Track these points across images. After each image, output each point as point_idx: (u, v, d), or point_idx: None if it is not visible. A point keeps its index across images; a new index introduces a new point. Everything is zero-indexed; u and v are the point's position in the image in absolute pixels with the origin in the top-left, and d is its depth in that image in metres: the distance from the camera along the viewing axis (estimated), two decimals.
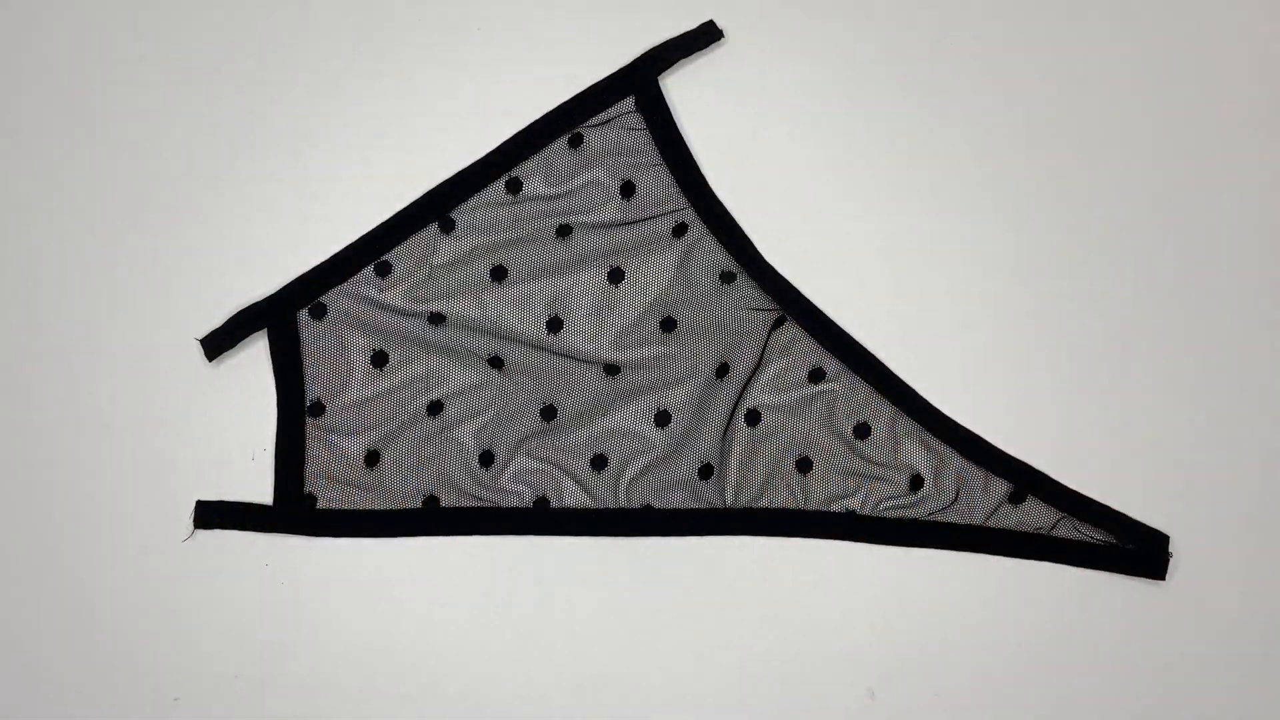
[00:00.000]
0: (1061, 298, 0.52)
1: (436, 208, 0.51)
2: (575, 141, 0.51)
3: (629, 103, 0.52)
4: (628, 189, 0.51)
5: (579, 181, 0.51)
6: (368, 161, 0.52)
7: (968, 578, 0.51)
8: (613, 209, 0.51)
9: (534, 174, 0.51)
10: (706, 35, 0.52)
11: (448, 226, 0.51)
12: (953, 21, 0.53)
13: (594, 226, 0.51)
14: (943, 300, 0.52)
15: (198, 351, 0.50)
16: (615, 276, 0.51)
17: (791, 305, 0.51)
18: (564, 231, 0.51)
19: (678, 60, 0.52)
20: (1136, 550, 0.50)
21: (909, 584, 0.51)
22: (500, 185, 0.51)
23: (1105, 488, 0.51)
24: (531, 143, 0.51)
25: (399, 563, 0.50)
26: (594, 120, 0.52)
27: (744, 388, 0.51)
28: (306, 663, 0.50)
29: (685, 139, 0.52)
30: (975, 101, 0.53)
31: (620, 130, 0.52)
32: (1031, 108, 0.53)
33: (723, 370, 0.51)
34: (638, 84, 0.52)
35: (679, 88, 0.53)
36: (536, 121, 0.52)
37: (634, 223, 0.51)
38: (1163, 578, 0.50)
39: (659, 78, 0.52)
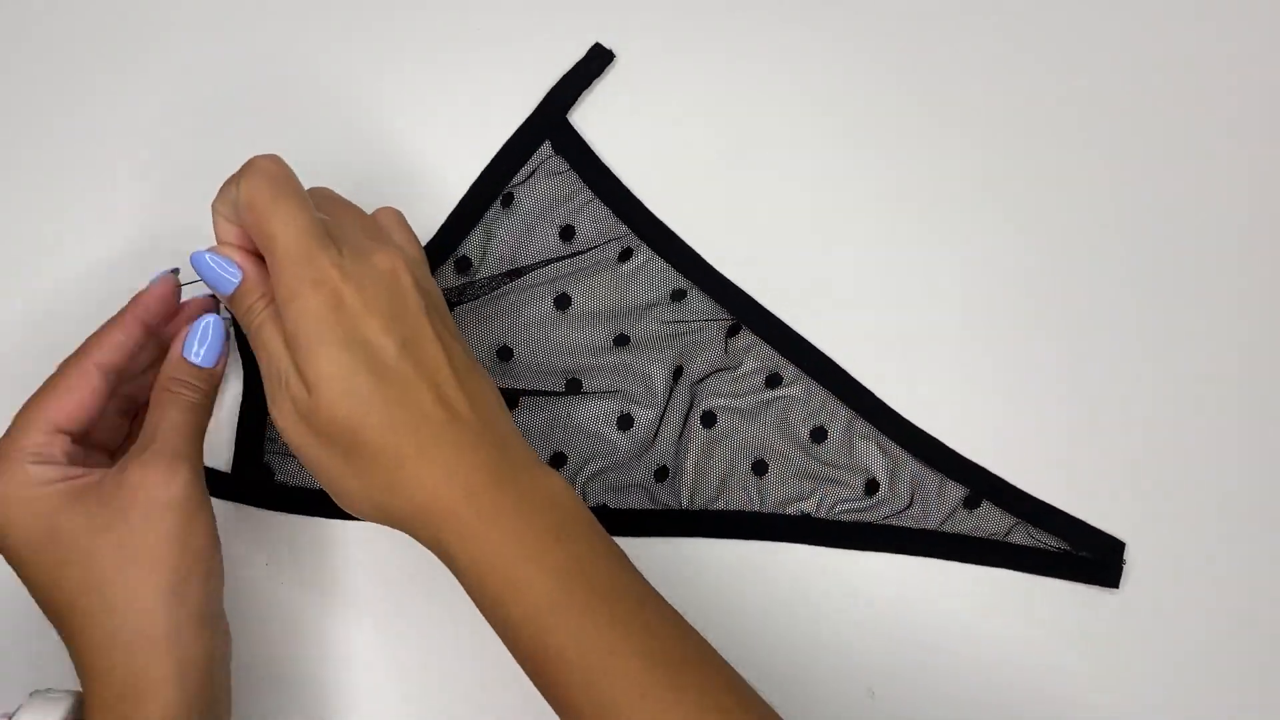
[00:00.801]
0: (1020, 301, 0.52)
1: None
2: (507, 202, 0.51)
3: (546, 148, 0.52)
4: (567, 233, 0.51)
5: (521, 240, 0.51)
6: None
7: (923, 581, 0.51)
8: (555, 251, 0.51)
9: (478, 246, 0.51)
10: (598, 59, 0.53)
11: None
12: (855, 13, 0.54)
13: (541, 268, 0.51)
14: (900, 302, 0.52)
15: None
16: (562, 302, 0.51)
17: (746, 313, 0.52)
18: (515, 274, 0.51)
19: (580, 93, 0.52)
20: (1091, 558, 0.50)
21: (864, 588, 0.51)
22: (450, 266, 0.51)
23: (1063, 494, 0.51)
24: (468, 216, 0.51)
25: (361, 543, 0.51)
26: (518, 177, 0.52)
27: (699, 389, 0.51)
28: (303, 662, 0.50)
29: (610, 168, 0.52)
30: (901, 94, 0.53)
31: (546, 177, 0.52)
32: (974, 107, 0.53)
33: (678, 373, 0.51)
34: (549, 128, 0.52)
35: (590, 119, 0.53)
36: (466, 196, 0.51)
37: (579, 254, 0.51)
38: (1116, 585, 0.50)
39: (568, 116, 0.52)
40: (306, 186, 0.42)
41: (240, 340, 0.50)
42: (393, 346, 0.40)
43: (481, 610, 0.41)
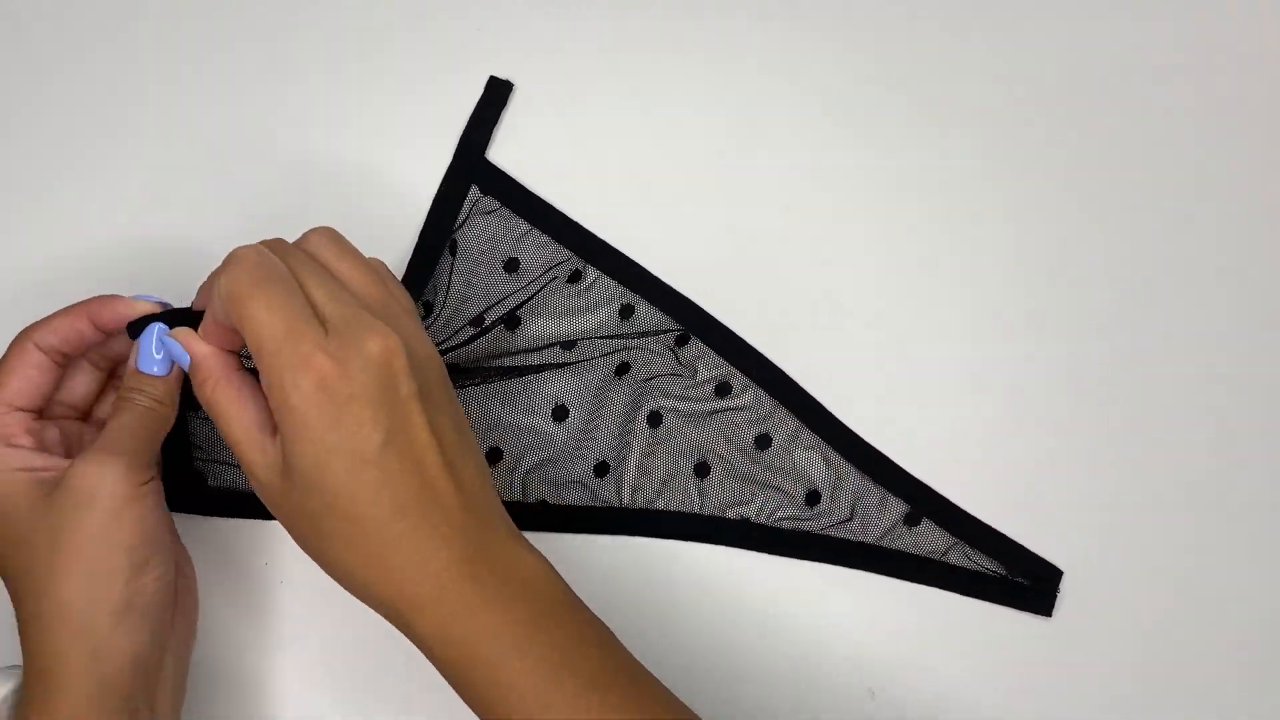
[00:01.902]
0: (980, 317, 0.52)
1: None
2: (453, 249, 0.52)
3: (474, 191, 0.52)
4: (511, 265, 0.51)
5: (473, 281, 0.51)
6: None
7: (858, 594, 0.51)
8: (505, 288, 0.51)
9: (436, 294, 0.51)
10: (498, 91, 0.53)
11: None
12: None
13: (497, 304, 0.51)
14: (852, 314, 0.52)
15: None
16: (512, 323, 0.51)
17: (695, 323, 0.52)
18: (478, 323, 0.51)
19: (492, 130, 0.52)
20: (1026, 585, 0.50)
21: (794, 595, 0.51)
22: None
23: (1007, 517, 0.51)
24: (421, 273, 0.51)
25: None
26: (456, 224, 0.52)
27: (646, 388, 0.51)
28: (303, 662, 0.50)
29: (541, 196, 0.52)
30: (828, 95, 0.53)
31: (481, 218, 0.52)
32: (922, 100, 0.53)
33: (623, 369, 0.51)
34: (471, 171, 0.52)
35: (508, 149, 0.53)
36: (413, 256, 0.51)
37: (526, 286, 0.51)
38: (1049, 614, 0.50)
39: (486, 154, 0.52)
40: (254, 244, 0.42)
41: None
42: (378, 438, 0.38)
43: (470, 706, 0.40)
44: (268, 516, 0.50)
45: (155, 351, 0.43)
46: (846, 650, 0.51)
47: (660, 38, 0.54)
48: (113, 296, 0.45)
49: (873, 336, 0.52)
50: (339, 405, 0.38)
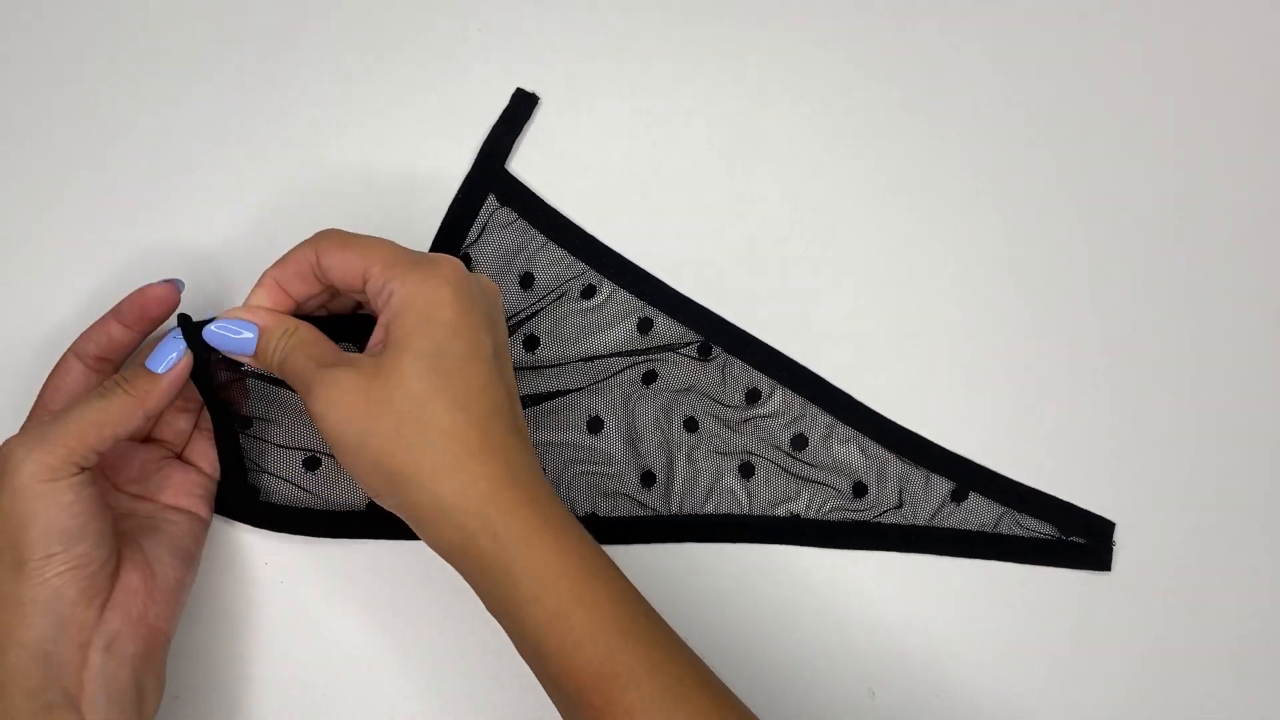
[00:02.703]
0: (1000, 292, 0.53)
1: None
2: (466, 263, 0.52)
3: (491, 201, 0.52)
4: (526, 280, 0.52)
5: None
6: None
7: (916, 577, 0.50)
8: (519, 303, 0.52)
9: None
10: (524, 104, 0.53)
11: None
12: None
13: (508, 320, 0.51)
14: (874, 301, 0.53)
15: None
16: (530, 344, 0.52)
17: (716, 333, 0.52)
18: None
19: (514, 141, 0.53)
20: (1081, 543, 0.50)
21: (859, 587, 0.50)
22: None
23: (1050, 480, 0.51)
24: None
25: (369, 562, 0.50)
26: (470, 237, 0.52)
27: (679, 396, 0.52)
28: (303, 662, 0.49)
29: (558, 209, 0.52)
30: (861, 99, 0.55)
31: (497, 231, 0.52)
32: (942, 102, 0.55)
33: (650, 377, 0.52)
34: (489, 182, 0.53)
35: (530, 162, 0.53)
36: None
37: (540, 300, 0.52)
38: (1108, 569, 0.50)
39: (506, 165, 0.53)
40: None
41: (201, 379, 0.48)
42: (490, 343, 0.42)
43: (519, 626, 0.40)
44: (320, 532, 0.49)
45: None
46: (916, 640, 0.50)
47: (676, 45, 0.54)
48: (135, 293, 0.45)
49: (896, 326, 0.53)
50: (470, 304, 0.41)
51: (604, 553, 0.42)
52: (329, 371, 0.41)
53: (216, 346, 0.43)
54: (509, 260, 0.52)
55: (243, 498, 0.48)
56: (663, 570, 0.50)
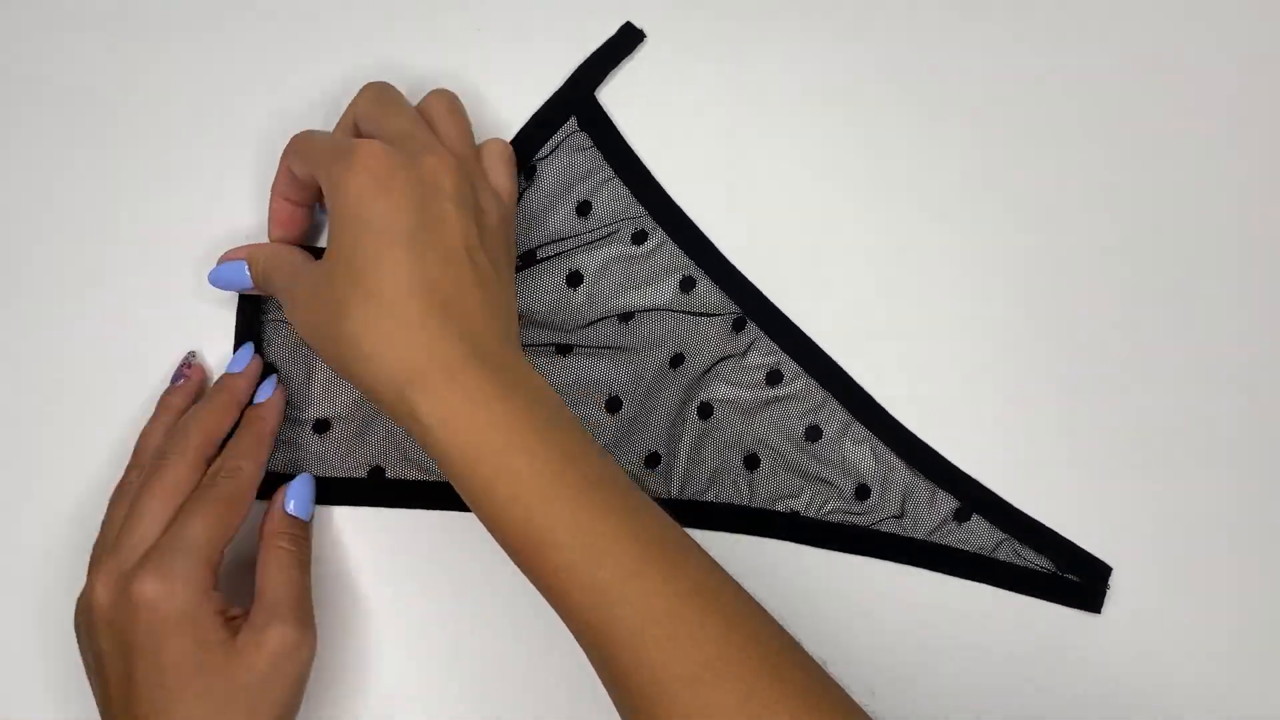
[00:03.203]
0: (1035, 314, 0.52)
1: None
2: (530, 175, 0.52)
3: (572, 123, 0.52)
4: (584, 208, 0.51)
5: (539, 214, 0.51)
6: None
7: (920, 584, 0.51)
8: (571, 229, 0.51)
9: None
10: (629, 39, 0.53)
11: None
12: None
13: (554, 243, 0.51)
14: (911, 306, 0.52)
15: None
16: (574, 280, 0.51)
17: (753, 307, 0.51)
18: (528, 259, 0.51)
19: (609, 71, 0.52)
20: (1076, 581, 0.50)
21: (853, 590, 0.51)
22: None
23: (1057, 513, 0.51)
24: None
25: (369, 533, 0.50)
26: (542, 151, 0.52)
27: (699, 380, 0.51)
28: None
29: (633, 148, 0.52)
30: (942, 95, 0.53)
31: (569, 153, 0.52)
32: (985, 101, 0.53)
33: (677, 360, 0.51)
34: (575, 104, 0.52)
35: (616, 98, 0.53)
36: None
37: (592, 232, 0.51)
38: (1098, 611, 0.50)
39: (595, 93, 0.52)
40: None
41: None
42: (410, 220, 0.42)
43: (461, 489, 0.41)
44: (320, 500, 0.50)
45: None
46: (916, 643, 0.50)
47: (791, 37, 0.53)
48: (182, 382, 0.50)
49: (926, 331, 0.52)
50: (383, 190, 0.42)
51: (561, 405, 0.43)
52: (294, 282, 0.45)
53: (223, 288, 0.48)
54: (572, 185, 0.52)
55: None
56: None
